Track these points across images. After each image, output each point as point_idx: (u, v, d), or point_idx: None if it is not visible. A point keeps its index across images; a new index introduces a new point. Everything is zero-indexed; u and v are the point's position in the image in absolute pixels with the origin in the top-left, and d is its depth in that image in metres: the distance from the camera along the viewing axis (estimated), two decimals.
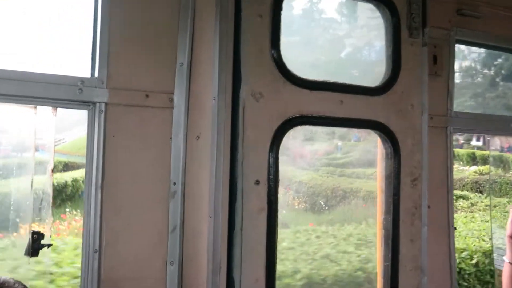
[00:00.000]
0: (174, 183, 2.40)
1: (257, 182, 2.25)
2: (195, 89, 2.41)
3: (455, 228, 3.14)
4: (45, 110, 2.27)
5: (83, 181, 2.40)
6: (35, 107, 2.28)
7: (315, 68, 2.72)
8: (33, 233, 2.28)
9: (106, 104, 2.30)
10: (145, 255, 2.37)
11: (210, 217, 2.20)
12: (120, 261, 2.32)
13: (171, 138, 2.40)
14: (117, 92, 2.32)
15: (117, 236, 2.32)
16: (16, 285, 1.58)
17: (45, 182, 2.34)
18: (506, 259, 2.66)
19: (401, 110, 2.57)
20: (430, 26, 2.68)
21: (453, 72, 3.12)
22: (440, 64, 3.06)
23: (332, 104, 2.41)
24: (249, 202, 2.24)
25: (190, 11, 2.40)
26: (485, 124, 3.48)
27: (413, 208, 2.57)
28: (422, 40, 2.65)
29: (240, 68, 2.26)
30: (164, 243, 2.38)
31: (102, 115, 2.29)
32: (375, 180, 2.70)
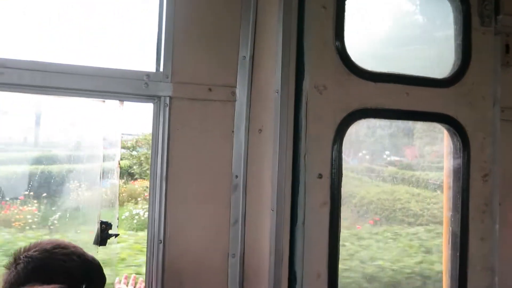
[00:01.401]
0: (236, 176, 2.41)
1: (320, 176, 2.22)
2: (257, 82, 2.40)
3: None
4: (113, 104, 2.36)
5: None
6: (104, 101, 2.37)
7: None
8: (102, 223, 2.37)
9: (170, 98, 2.34)
10: (207, 247, 2.40)
11: (273, 210, 2.20)
12: (183, 252, 2.37)
13: (233, 131, 2.41)
14: (181, 86, 2.36)
15: (181, 228, 2.36)
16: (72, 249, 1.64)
17: (112, 173, 2.42)
18: None
19: (471, 102, 2.44)
20: (504, 13, 2.53)
21: None
22: None
23: (397, 96, 2.34)
24: (312, 196, 2.21)
25: (253, 4, 2.40)
26: None
27: (483, 205, 2.44)
28: (495, 28, 2.50)
29: (304, 61, 2.23)
30: (226, 236, 2.40)
31: (167, 108, 2.34)
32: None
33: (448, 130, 2.47)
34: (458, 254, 2.42)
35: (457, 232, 2.43)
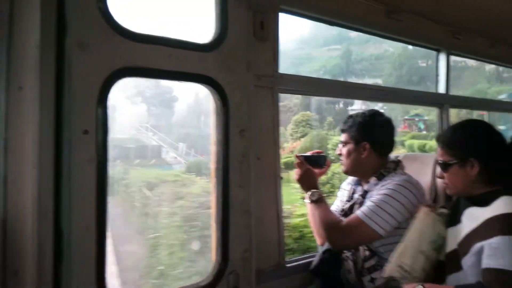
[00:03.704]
0: None
1: (86, 132, 2.26)
2: (17, 39, 2.30)
3: (281, 178, 3.50)
4: None
5: None
6: None
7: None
8: None
9: None
10: None
11: (34, 168, 2.15)
12: None
13: None
14: None
15: None
16: None
17: None
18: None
19: (229, 66, 2.77)
20: None
21: (278, 38, 3.43)
22: (267, 29, 3.35)
23: (160, 57, 2.51)
24: (78, 151, 2.24)
25: None
26: (308, 86, 3.92)
27: (241, 156, 2.81)
28: (248, 4, 2.88)
29: (66, 17, 2.22)
30: None
31: None
32: None
33: (211, 90, 2.75)
34: (221, 200, 2.74)
35: (221, 181, 2.75)
